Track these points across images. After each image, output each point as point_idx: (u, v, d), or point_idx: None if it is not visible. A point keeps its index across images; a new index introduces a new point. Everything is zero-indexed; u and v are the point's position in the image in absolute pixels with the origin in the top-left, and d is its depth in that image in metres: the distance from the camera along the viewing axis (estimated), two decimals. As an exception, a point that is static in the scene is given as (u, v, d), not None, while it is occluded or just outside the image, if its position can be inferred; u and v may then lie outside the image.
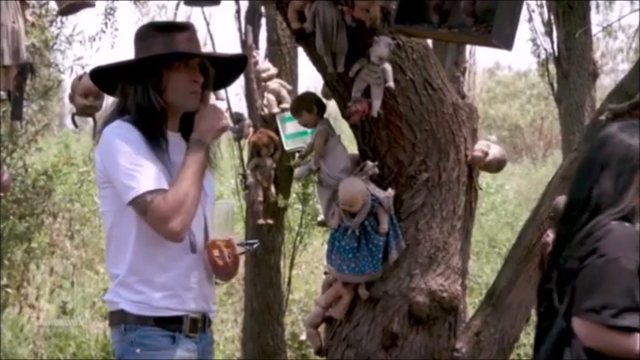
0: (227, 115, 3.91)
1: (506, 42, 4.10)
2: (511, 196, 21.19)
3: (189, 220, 3.64)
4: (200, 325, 3.81)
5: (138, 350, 3.67)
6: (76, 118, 5.77)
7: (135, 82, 3.76)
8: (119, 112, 3.81)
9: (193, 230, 3.76)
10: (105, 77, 3.94)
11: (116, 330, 3.76)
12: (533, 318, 11.32)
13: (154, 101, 3.74)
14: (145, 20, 13.92)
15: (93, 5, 5.60)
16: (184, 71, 3.80)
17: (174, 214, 3.58)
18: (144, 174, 3.59)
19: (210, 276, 3.91)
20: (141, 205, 3.60)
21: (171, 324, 3.71)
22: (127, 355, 3.71)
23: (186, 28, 3.91)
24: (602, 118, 5.17)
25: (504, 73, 38.79)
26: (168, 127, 3.84)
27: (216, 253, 3.83)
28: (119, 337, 3.74)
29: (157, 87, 3.76)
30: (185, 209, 3.61)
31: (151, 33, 3.84)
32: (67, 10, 5.71)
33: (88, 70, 5.33)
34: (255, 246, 4.24)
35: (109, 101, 5.23)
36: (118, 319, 3.74)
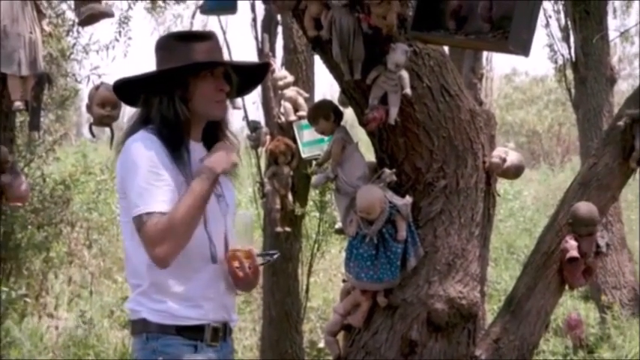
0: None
1: (523, 48, 4.09)
2: (529, 202, 21.15)
3: (176, 249, 3.61)
4: (221, 334, 3.80)
5: (160, 358, 3.67)
6: (94, 127, 5.78)
7: (160, 92, 3.76)
8: (142, 123, 3.80)
9: (214, 241, 3.76)
10: (126, 88, 3.93)
11: (138, 339, 3.75)
12: (552, 324, 11.27)
13: (180, 111, 3.73)
14: (161, 29, 13.99)
15: (112, 15, 5.64)
16: (210, 80, 3.80)
17: (161, 240, 3.56)
18: (152, 193, 3.58)
19: (230, 286, 3.89)
20: (137, 224, 3.61)
21: (192, 333, 3.70)
22: None
23: (210, 37, 3.92)
24: (620, 123, 5.16)
25: (521, 79, 38.74)
26: (191, 137, 3.83)
27: (236, 264, 3.81)
28: (141, 346, 3.73)
29: (183, 96, 3.76)
30: (174, 237, 3.58)
31: (174, 43, 3.84)
32: (86, 20, 5.73)
33: (104, 79, 5.34)
34: (274, 257, 4.22)
35: (125, 111, 5.24)
36: (140, 327, 3.73)
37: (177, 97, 3.74)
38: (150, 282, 3.68)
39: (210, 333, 3.75)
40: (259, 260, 3.93)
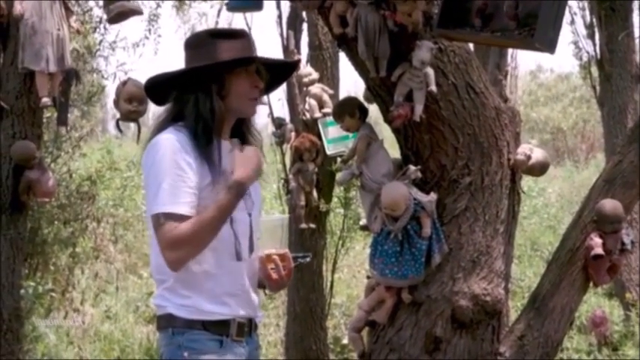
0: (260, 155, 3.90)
1: (549, 45, 4.09)
2: (553, 200, 21.07)
3: (190, 257, 3.64)
4: (246, 329, 3.82)
5: (186, 354, 3.68)
6: (120, 123, 5.81)
7: (196, 88, 3.77)
8: (171, 120, 3.81)
9: (239, 238, 3.77)
10: (157, 86, 3.94)
11: (164, 334, 3.77)
12: (576, 322, 11.23)
13: (217, 108, 3.75)
14: (186, 27, 14.02)
15: (141, 13, 5.68)
16: (244, 77, 3.82)
17: (178, 246, 3.59)
18: (174, 194, 3.59)
19: (255, 283, 3.91)
20: (154, 222, 3.63)
21: (218, 328, 3.72)
22: (175, 358, 3.72)
23: (243, 34, 3.94)
24: (646, 121, 5.15)
25: (546, 75, 38.58)
26: (222, 134, 3.85)
27: (271, 266, 3.83)
28: (167, 341, 3.75)
29: (219, 93, 3.77)
30: (191, 246, 3.63)
31: (209, 40, 3.85)
32: (115, 18, 5.78)
33: (131, 75, 5.37)
34: (307, 259, 4.25)
35: (151, 106, 5.27)
36: (166, 322, 3.75)
37: (214, 92, 3.76)
38: (175, 278, 3.70)
39: (236, 328, 3.76)
40: (293, 263, 3.93)
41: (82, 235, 12.51)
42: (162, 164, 3.63)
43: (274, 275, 3.83)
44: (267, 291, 4.06)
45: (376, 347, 5.09)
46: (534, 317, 5.22)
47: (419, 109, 4.69)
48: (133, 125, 5.88)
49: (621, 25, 12.00)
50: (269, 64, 3.99)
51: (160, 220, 3.59)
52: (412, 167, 4.86)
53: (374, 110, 5.34)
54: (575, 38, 13.90)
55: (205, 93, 3.75)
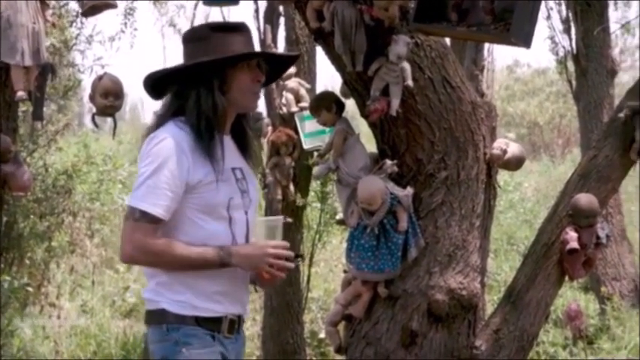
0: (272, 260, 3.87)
1: (525, 40, 4.11)
2: (529, 194, 21.15)
3: (139, 265, 3.71)
4: (236, 326, 3.85)
5: (184, 350, 3.68)
6: (96, 117, 5.80)
7: (197, 83, 3.75)
8: (172, 115, 3.80)
9: (235, 235, 3.78)
10: (156, 80, 3.91)
11: (156, 329, 3.77)
12: (552, 316, 11.28)
13: (219, 102, 3.74)
14: (164, 20, 14.01)
15: (115, 6, 5.64)
16: (246, 71, 3.82)
17: (141, 253, 3.64)
18: (157, 195, 3.61)
19: (247, 280, 3.93)
20: (129, 211, 3.66)
21: (211, 324, 3.74)
22: (174, 356, 3.71)
23: (244, 28, 3.92)
24: (621, 115, 5.17)
25: (523, 70, 38.78)
26: (223, 130, 3.85)
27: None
28: (160, 337, 3.74)
29: (221, 88, 3.77)
30: (149, 261, 3.69)
31: (210, 34, 3.83)
32: (89, 11, 5.75)
33: (107, 70, 5.36)
34: (300, 260, 4.26)
35: (129, 100, 5.24)
36: (158, 318, 3.75)
37: (216, 88, 3.75)
38: (169, 274, 3.71)
39: (227, 325, 3.79)
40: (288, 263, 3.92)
41: (58, 229, 12.46)
42: (154, 161, 3.63)
43: (266, 275, 3.84)
44: (257, 287, 4.11)
45: (352, 341, 5.10)
46: (510, 311, 5.23)
47: (395, 103, 4.70)
48: (110, 119, 5.86)
49: (597, 20, 12.04)
50: (270, 58, 4.02)
51: (135, 214, 3.62)
52: (388, 161, 4.87)
53: (351, 104, 5.34)
54: (551, 33, 13.94)
55: (207, 88, 3.74)
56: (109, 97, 5.53)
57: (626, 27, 16.41)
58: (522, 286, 5.27)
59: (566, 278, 5.35)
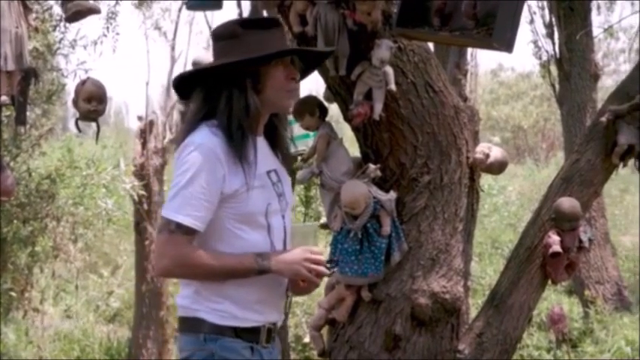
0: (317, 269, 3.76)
1: (507, 45, 4.12)
2: (514, 198, 21.23)
3: (174, 277, 3.59)
4: (273, 334, 3.73)
5: None
6: (80, 122, 5.78)
7: (229, 83, 3.58)
8: (203, 117, 3.60)
9: (274, 242, 3.65)
10: (185, 80, 3.75)
11: (192, 338, 3.63)
12: (534, 319, 11.28)
13: (252, 103, 3.57)
14: (149, 23, 14.01)
15: (99, 11, 5.62)
16: (281, 69, 3.62)
17: (178, 266, 3.52)
18: (193, 205, 3.47)
19: (284, 287, 3.79)
20: (163, 224, 3.52)
21: (250, 334, 3.61)
22: None
23: (276, 23, 3.74)
24: (603, 119, 5.19)
25: (507, 74, 38.91)
26: (257, 131, 3.69)
27: None
28: (197, 346, 3.61)
29: (254, 87, 3.58)
30: (186, 273, 3.58)
31: (242, 31, 3.63)
32: (73, 17, 5.73)
33: (91, 74, 5.34)
34: (335, 268, 4.17)
35: (113, 104, 5.24)
36: (195, 326, 3.62)
37: (249, 87, 3.57)
38: (202, 284, 3.59)
39: (266, 334, 3.67)
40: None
41: (41, 234, 12.45)
42: (189, 170, 3.48)
43: (302, 283, 3.73)
44: (289, 293, 3.89)
45: (336, 345, 5.10)
46: (493, 315, 5.24)
47: (378, 107, 4.71)
48: (94, 124, 5.84)
49: (580, 25, 12.11)
50: (304, 55, 3.84)
51: (171, 226, 3.48)
52: (372, 166, 4.87)
53: (334, 109, 5.35)
54: (534, 37, 14.02)
55: (239, 88, 3.57)
56: (92, 102, 5.51)
57: (609, 31, 16.48)
58: (505, 289, 5.28)
59: (549, 282, 5.36)
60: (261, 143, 3.70)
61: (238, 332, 3.59)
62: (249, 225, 3.59)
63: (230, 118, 3.54)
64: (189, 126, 3.63)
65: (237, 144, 3.53)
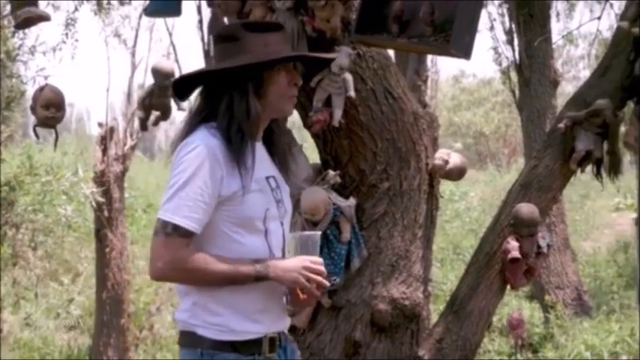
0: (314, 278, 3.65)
1: (464, 51, 4.14)
2: (475, 203, 21.32)
3: (171, 281, 3.52)
4: (278, 342, 3.61)
5: None
6: (38, 129, 5.74)
7: (230, 86, 3.50)
8: (202, 120, 3.53)
9: (273, 250, 3.56)
10: (183, 82, 3.68)
11: (189, 351, 3.54)
12: (495, 325, 11.33)
13: (253, 108, 3.48)
14: (108, 30, 13.96)
15: (49, 19, 5.58)
16: (284, 74, 3.55)
17: (174, 269, 3.40)
18: (190, 207, 3.38)
19: (282, 296, 3.67)
20: (159, 226, 3.42)
21: (249, 347, 3.51)
22: None
23: (279, 27, 3.66)
24: (561, 125, 5.22)
25: (469, 80, 39.04)
26: (256, 136, 3.60)
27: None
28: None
29: (256, 92, 3.50)
30: (182, 277, 3.46)
31: (244, 33, 3.55)
32: (22, 24, 5.68)
33: (50, 80, 5.30)
34: (337, 281, 4.10)
35: (73, 111, 5.20)
36: (193, 341, 3.52)
37: (251, 91, 3.49)
38: (203, 293, 3.49)
39: (268, 345, 3.56)
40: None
41: (0, 241, 12.35)
42: (186, 170, 3.40)
43: (302, 295, 3.59)
44: (288, 306, 3.73)
45: (296, 352, 5.10)
46: (453, 320, 5.26)
47: (338, 114, 4.71)
48: (54, 130, 5.80)
49: (540, 32, 12.17)
50: (307, 61, 3.78)
51: (167, 229, 3.39)
52: (331, 172, 4.88)
53: (294, 116, 5.33)
54: (494, 44, 14.09)
55: (241, 92, 3.49)
56: (50, 109, 5.47)
57: (568, 38, 16.61)
58: (465, 295, 5.29)
59: (508, 287, 5.38)
60: (260, 149, 3.62)
61: (237, 346, 3.49)
62: (246, 229, 3.50)
63: (230, 122, 3.46)
64: (187, 127, 3.56)
65: (236, 147, 3.45)
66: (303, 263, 3.51)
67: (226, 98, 3.49)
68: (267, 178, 3.60)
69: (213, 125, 3.49)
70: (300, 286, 3.51)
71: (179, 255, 3.39)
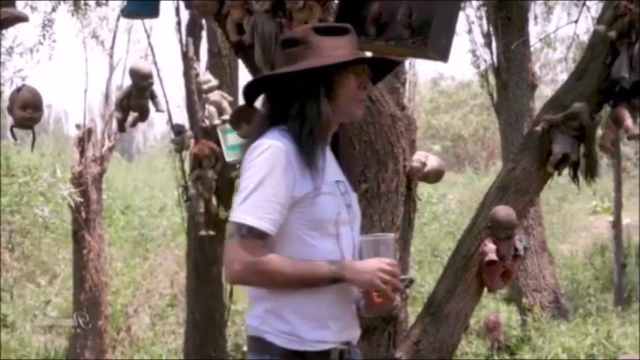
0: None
1: (442, 54, 4.15)
2: (453, 206, 21.39)
3: (248, 285, 3.48)
4: (346, 355, 3.56)
5: None
6: (15, 130, 5.72)
7: (302, 90, 3.47)
8: (272, 123, 3.50)
9: (344, 255, 3.50)
10: (256, 85, 3.67)
11: (258, 357, 3.51)
12: (473, 327, 11.37)
13: (324, 112, 3.47)
14: (86, 32, 13.91)
15: (27, 19, 5.56)
16: (354, 78, 3.52)
17: (253, 272, 3.37)
18: (264, 208, 3.34)
19: (354, 303, 3.62)
20: (234, 229, 3.38)
21: (318, 358, 3.47)
22: None
23: (349, 30, 3.62)
24: (538, 128, 5.24)
25: (447, 83, 39.13)
26: (326, 140, 3.58)
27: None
28: None
29: (327, 95, 3.48)
30: (261, 281, 3.41)
31: (315, 37, 3.52)
32: (0, 24, 5.66)
33: (28, 82, 5.28)
34: (412, 283, 4.00)
35: (51, 113, 5.18)
36: (262, 347, 3.48)
37: (322, 95, 3.47)
38: (277, 298, 3.45)
39: (337, 357, 3.51)
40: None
41: (-24, 243, 12.32)
42: (259, 172, 3.37)
43: (377, 299, 3.52)
44: (361, 312, 3.68)
45: (273, 354, 5.08)
46: (430, 323, 5.26)
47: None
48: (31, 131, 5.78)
49: (517, 35, 12.22)
50: (375, 64, 3.74)
51: (242, 230, 3.34)
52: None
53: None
54: (473, 47, 14.14)
55: (313, 95, 3.47)
56: (27, 109, 5.45)
57: (545, 41, 16.66)
58: (442, 297, 5.29)
59: (486, 290, 5.39)
60: (328, 154, 3.59)
61: (306, 357, 3.44)
62: (319, 232, 3.45)
63: (302, 125, 3.44)
64: (258, 129, 3.54)
65: (307, 150, 3.42)
66: (379, 265, 3.44)
67: (298, 101, 3.47)
68: (337, 182, 3.57)
69: (284, 128, 3.46)
70: (376, 288, 3.45)
71: (256, 258, 3.35)
